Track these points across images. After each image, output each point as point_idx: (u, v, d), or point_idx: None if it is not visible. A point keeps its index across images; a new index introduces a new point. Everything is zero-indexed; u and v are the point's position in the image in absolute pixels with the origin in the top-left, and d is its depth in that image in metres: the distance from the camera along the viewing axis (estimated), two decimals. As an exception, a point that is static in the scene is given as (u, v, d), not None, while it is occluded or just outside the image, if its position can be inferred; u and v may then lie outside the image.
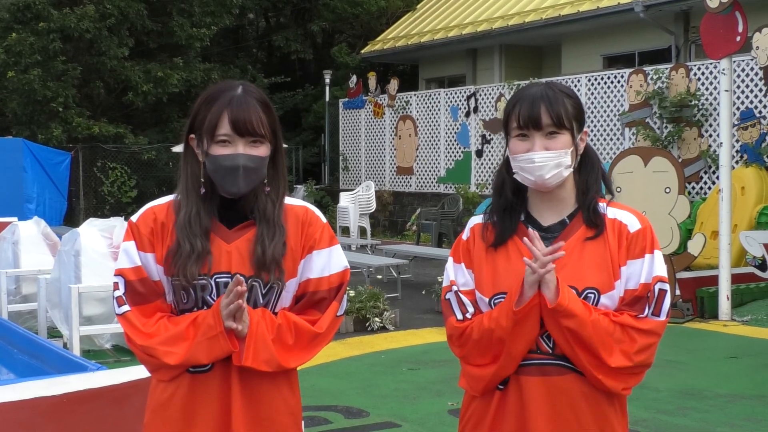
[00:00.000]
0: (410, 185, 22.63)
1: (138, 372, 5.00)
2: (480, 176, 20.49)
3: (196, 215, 2.69)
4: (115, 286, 2.74)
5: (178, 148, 21.75)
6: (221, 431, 2.70)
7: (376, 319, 10.23)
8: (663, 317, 2.62)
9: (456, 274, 2.74)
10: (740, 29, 10.30)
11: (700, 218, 14.10)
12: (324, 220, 2.86)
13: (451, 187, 21.02)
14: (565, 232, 2.67)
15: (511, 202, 2.71)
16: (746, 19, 10.31)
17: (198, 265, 2.66)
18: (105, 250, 8.40)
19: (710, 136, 15.53)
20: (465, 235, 2.78)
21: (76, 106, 23.35)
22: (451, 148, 21.43)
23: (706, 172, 15.59)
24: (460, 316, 2.71)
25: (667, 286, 2.64)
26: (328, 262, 2.80)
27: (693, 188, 15.59)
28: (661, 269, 2.64)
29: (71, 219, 22.52)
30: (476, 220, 2.80)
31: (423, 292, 12.10)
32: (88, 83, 23.88)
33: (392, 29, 27.10)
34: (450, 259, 2.78)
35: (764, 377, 7.85)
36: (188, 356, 2.64)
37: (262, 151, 2.69)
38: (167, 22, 24.36)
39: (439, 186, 21.66)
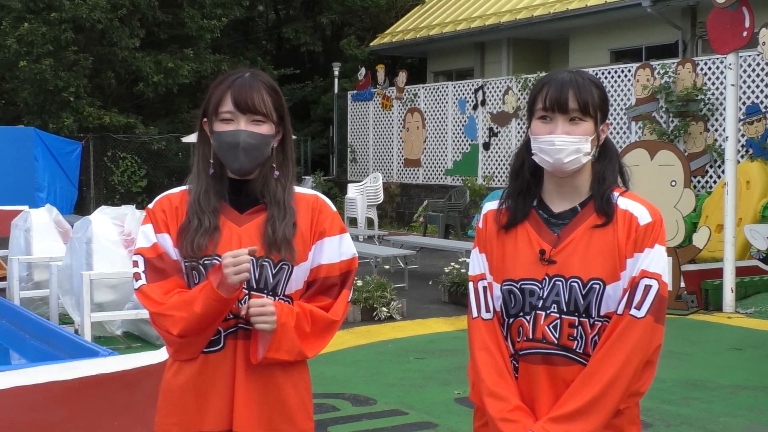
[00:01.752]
0: (417, 177, 22.72)
1: (148, 358, 5.08)
2: (487, 169, 20.57)
3: (206, 194, 2.78)
4: (135, 264, 2.81)
5: (188, 139, 21.87)
6: (231, 411, 2.75)
7: (384, 308, 10.32)
8: (643, 313, 2.56)
9: (480, 264, 2.78)
10: (747, 24, 10.37)
11: (706, 212, 14.18)
12: (334, 208, 2.93)
13: (458, 180, 21.10)
14: (575, 219, 2.67)
15: (528, 184, 2.73)
16: (753, 14, 10.37)
17: (205, 239, 2.73)
18: (116, 238, 8.52)
19: (716, 130, 15.59)
20: (480, 222, 2.82)
21: (87, 96, 23.45)
22: (458, 141, 21.51)
23: (711, 166, 15.66)
24: (475, 313, 2.75)
25: (654, 282, 2.58)
26: (339, 248, 2.86)
27: (698, 182, 15.66)
28: (655, 264, 2.60)
29: (81, 208, 22.65)
30: (490, 206, 2.81)
31: (430, 283, 12.21)
32: (100, 73, 23.98)
33: (401, 22, 27.17)
34: (476, 249, 2.80)
35: (767, 368, 7.94)
36: (189, 320, 2.68)
37: (265, 129, 2.77)
38: (178, 14, 24.42)
39: (446, 178, 21.74)
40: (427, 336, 9.52)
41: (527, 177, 2.73)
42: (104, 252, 8.41)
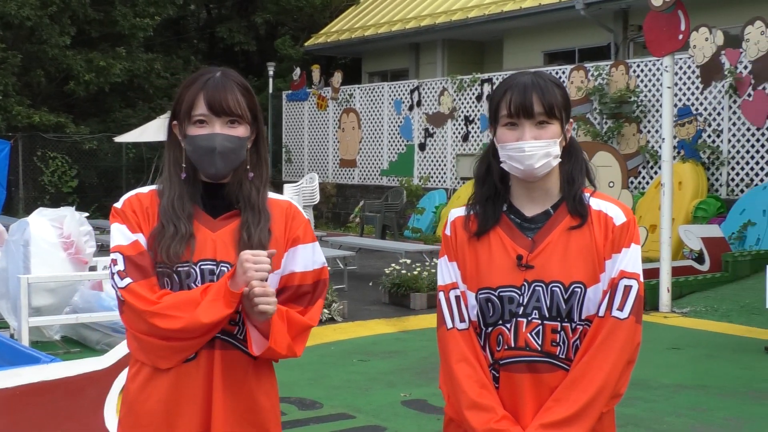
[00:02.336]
0: (353, 177, 22.70)
1: (92, 364, 4.98)
2: (423, 169, 20.64)
3: (179, 199, 2.68)
4: (113, 262, 2.67)
5: (121, 138, 21.56)
6: (203, 423, 2.66)
7: (325, 310, 10.26)
8: (625, 314, 2.53)
9: (450, 273, 2.70)
10: (683, 27, 10.53)
11: (639, 212, 14.39)
12: (306, 216, 2.84)
13: (393, 180, 21.14)
14: (549, 222, 2.61)
15: (496, 190, 2.67)
16: (688, 17, 10.54)
17: (182, 246, 2.63)
18: (55, 240, 8.30)
19: (648, 132, 15.86)
20: (447, 230, 2.74)
21: (16, 95, 23.01)
22: (394, 141, 21.55)
23: (644, 167, 15.91)
24: (449, 324, 2.67)
25: (633, 282, 2.55)
26: (312, 256, 2.78)
27: (632, 182, 15.89)
28: (633, 264, 2.57)
29: (10, 209, 22.18)
30: (457, 213, 2.74)
31: (370, 284, 12.19)
32: (29, 71, 23.54)
33: (336, 22, 27.12)
34: (444, 257, 2.72)
35: (706, 367, 8.09)
36: (191, 320, 2.56)
37: (240, 131, 2.67)
38: (110, 11, 24.09)
39: (382, 178, 21.77)
40: (369, 338, 9.50)
41: (496, 183, 2.67)
42: (42, 255, 8.19)
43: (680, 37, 10.61)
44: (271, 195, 2.81)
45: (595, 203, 2.64)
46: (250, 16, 29.43)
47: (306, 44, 27.32)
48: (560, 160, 2.63)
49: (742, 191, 14.48)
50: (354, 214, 20.88)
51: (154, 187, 2.78)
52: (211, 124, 2.66)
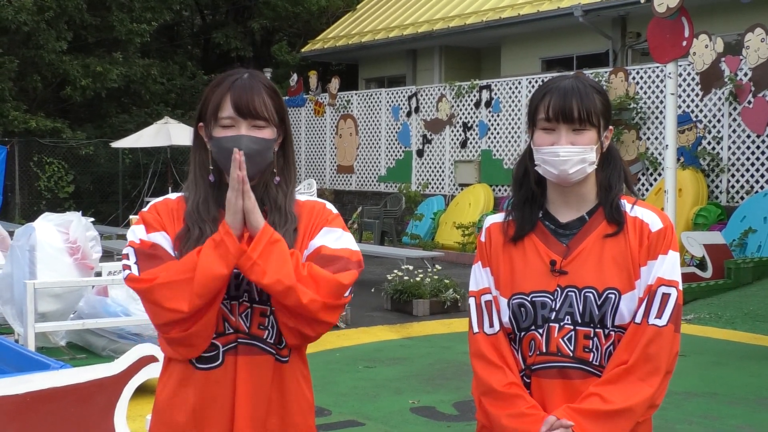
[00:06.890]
0: (351, 184, 22.67)
1: (102, 370, 4.94)
2: (421, 175, 20.62)
3: (204, 202, 2.64)
4: (124, 257, 2.64)
5: (117, 144, 21.50)
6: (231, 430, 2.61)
7: (328, 316, 10.20)
8: (664, 321, 2.51)
9: (483, 278, 2.71)
10: (686, 34, 10.55)
11: (640, 219, 14.37)
12: (335, 211, 2.77)
13: (391, 186, 21.10)
14: (584, 228, 2.61)
15: (534, 193, 2.67)
16: (692, 24, 10.55)
17: None
18: (61, 245, 8.23)
19: (648, 138, 15.88)
20: (482, 236, 2.75)
21: (12, 100, 22.97)
22: (392, 148, 21.52)
23: (644, 174, 15.92)
24: (476, 329, 2.68)
25: (672, 290, 2.53)
26: (341, 238, 2.67)
27: (632, 190, 15.87)
28: (671, 272, 2.56)
29: (6, 214, 22.10)
30: (492, 219, 2.74)
31: (372, 290, 12.14)
32: (25, 77, 23.48)
33: (332, 28, 27.10)
34: (478, 263, 2.73)
35: (714, 375, 8.06)
36: (198, 274, 2.49)
37: (267, 133, 2.62)
38: (106, 17, 24.05)
39: (379, 185, 21.73)
40: (373, 344, 9.48)
41: (532, 186, 2.67)
42: (48, 260, 8.11)
43: (684, 43, 10.65)
44: (300, 197, 2.77)
45: (633, 210, 2.63)
46: (247, 22, 29.42)
47: (303, 50, 27.29)
48: (596, 166, 2.61)
49: (742, 198, 14.50)
50: (352, 220, 20.84)
51: (181, 194, 2.75)
52: (238, 126, 2.61)
